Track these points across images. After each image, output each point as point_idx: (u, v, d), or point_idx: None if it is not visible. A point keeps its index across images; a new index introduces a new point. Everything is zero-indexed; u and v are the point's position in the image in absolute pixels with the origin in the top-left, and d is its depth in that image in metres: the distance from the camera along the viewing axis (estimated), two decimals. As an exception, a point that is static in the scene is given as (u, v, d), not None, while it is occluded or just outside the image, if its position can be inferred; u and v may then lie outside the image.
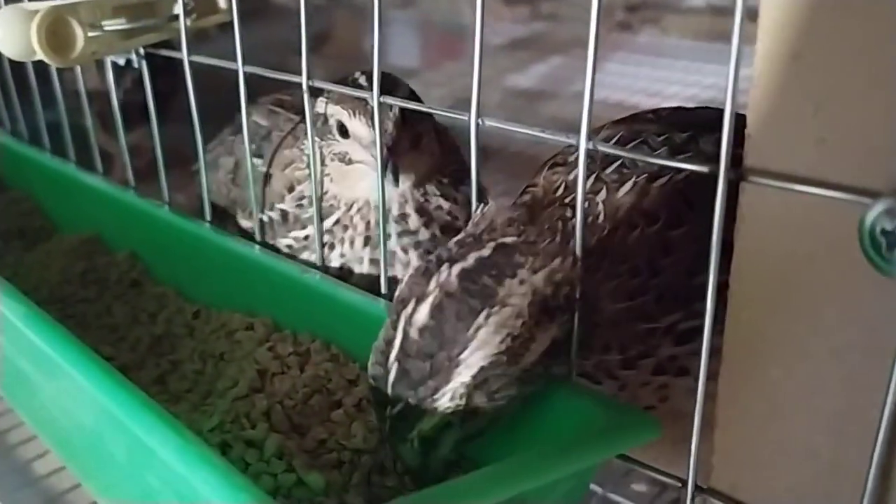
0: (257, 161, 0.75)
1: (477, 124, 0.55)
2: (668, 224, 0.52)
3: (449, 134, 0.73)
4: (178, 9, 0.75)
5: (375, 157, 0.62)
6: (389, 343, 0.46)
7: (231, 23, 0.70)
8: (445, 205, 0.70)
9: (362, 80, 0.65)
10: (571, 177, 0.55)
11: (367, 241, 0.69)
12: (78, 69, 0.93)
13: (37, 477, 0.69)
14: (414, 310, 0.46)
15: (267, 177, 0.75)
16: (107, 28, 0.74)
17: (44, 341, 0.53)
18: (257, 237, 0.75)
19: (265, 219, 0.75)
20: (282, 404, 0.57)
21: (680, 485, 0.50)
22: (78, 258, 0.86)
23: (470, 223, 0.52)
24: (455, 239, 0.50)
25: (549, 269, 0.47)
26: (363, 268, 0.70)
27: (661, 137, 0.56)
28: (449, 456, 0.49)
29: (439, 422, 0.46)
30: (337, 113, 0.66)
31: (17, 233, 0.96)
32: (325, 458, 0.54)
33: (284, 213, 0.74)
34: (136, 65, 0.81)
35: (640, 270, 0.51)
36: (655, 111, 0.64)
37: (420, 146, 0.67)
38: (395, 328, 0.46)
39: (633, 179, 0.53)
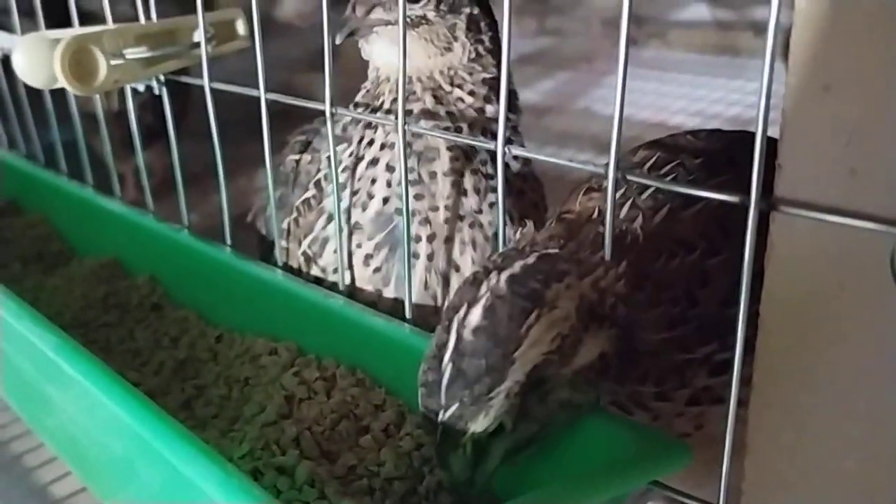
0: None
1: (504, 153, 0.55)
2: (705, 253, 0.52)
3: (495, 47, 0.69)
4: (200, 36, 0.76)
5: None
6: (443, 346, 0.47)
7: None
8: (469, 99, 0.67)
9: None
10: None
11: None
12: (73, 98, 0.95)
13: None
14: (466, 313, 0.47)
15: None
16: (129, 56, 0.75)
17: (79, 373, 0.54)
18: (279, 262, 0.76)
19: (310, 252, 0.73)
20: (310, 430, 0.58)
21: (710, 509, 0.50)
22: (98, 282, 0.87)
23: (511, 242, 0.53)
24: (499, 252, 0.52)
25: (594, 276, 0.48)
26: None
27: (698, 160, 0.57)
28: (497, 468, 0.49)
29: (493, 423, 0.47)
30: None
31: (35, 257, 0.97)
32: (357, 485, 0.54)
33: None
34: (156, 91, 0.81)
35: (679, 300, 0.51)
36: (694, 133, 0.65)
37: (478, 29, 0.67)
38: (447, 332, 0.47)
39: (667, 206, 0.53)
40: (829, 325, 0.44)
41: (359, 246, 0.68)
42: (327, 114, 0.66)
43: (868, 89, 0.40)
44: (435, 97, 0.67)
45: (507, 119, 0.56)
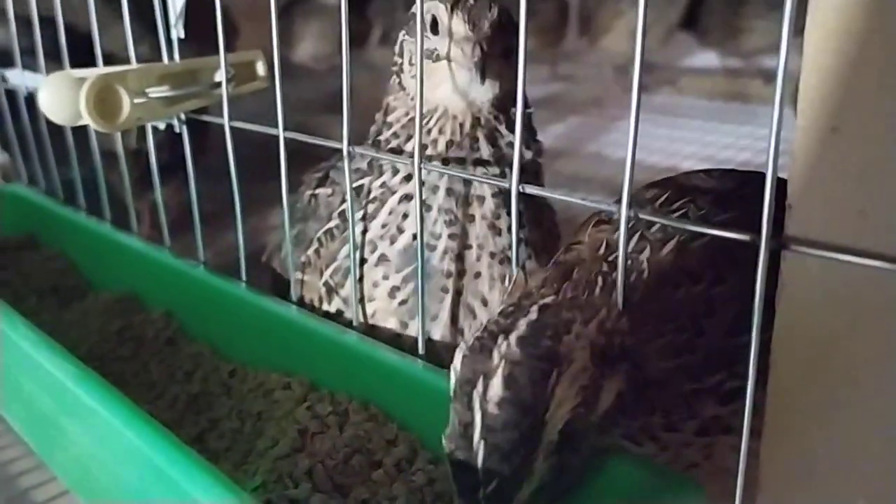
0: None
1: (518, 191, 0.56)
2: (712, 283, 0.53)
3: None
4: (221, 76, 0.78)
5: (467, 54, 0.61)
6: (469, 425, 0.46)
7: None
8: (511, 141, 0.66)
9: None
10: (615, 235, 0.56)
11: (449, 145, 0.67)
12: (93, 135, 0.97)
13: None
14: (486, 387, 0.46)
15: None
16: (152, 95, 0.77)
17: (98, 403, 0.55)
18: (294, 297, 0.77)
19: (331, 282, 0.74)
20: (323, 464, 0.58)
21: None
22: (114, 316, 0.88)
23: (505, 294, 0.53)
24: (497, 312, 0.51)
25: (598, 320, 0.48)
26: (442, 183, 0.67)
27: (709, 197, 0.57)
28: None
29: (536, 485, 0.46)
30: (433, 8, 0.64)
31: (52, 290, 0.98)
32: (368, 519, 0.54)
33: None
34: (177, 129, 0.83)
35: (685, 329, 0.52)
36: (707, 171, 0.66)
37: (510, 60, 0.64)
38: (470, 409, 0.46)
39: (676, 238, 0.54)
40: (841, 363, 0.44)
41: (385, 278, 0.68)
42: (344, 152, 0.68)
43: (876, 131, 0.40)
44: (491, 141, 0.67)
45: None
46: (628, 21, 1.83)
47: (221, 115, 0.78)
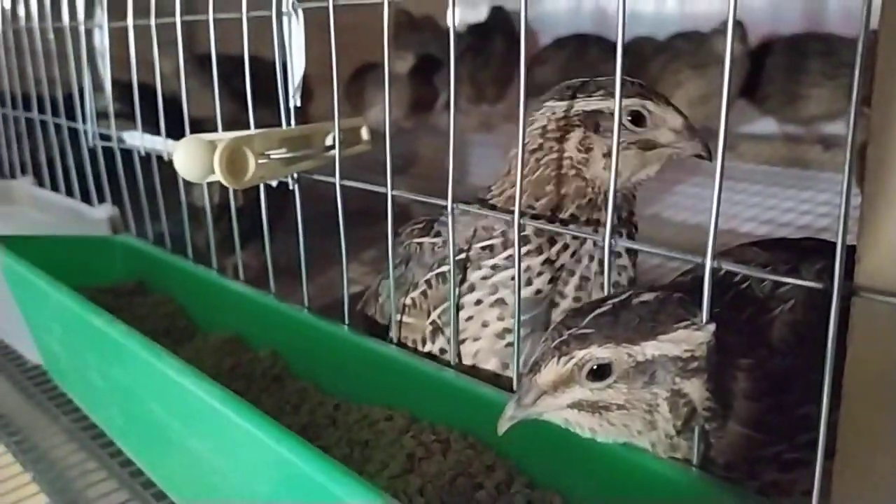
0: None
1: (611, 244, 0.64)
2: (781, 356, 0.59)
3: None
4: (331, 140, 0.88)
5: (688, 139, 0.72)
6: None
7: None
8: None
9: (594, 87, 0.74)
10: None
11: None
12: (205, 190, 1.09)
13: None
14: None
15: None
16: (273, 157, 0.86)
17: (246, 421, 0.63)
18: (393, 338, 0.84)
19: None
20: (432, 484, 0.65)
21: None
22: (224, 355, 0.97)
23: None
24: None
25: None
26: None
27: (767, 268, 0.63)
28: None
29: None
30: (635, 104, 0.71)
31: (164, 332, 1.07)
32: (476, 533, 0.61)
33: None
34: (290, 186, 0.93)
35: (761, 398, 0.58)
36: (760, 242, 0.72)
37: None
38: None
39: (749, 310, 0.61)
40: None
41: (500, 319, 0.75)
42: (449, 209, 0.76)
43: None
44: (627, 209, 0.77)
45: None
46: (687, 91, 1.90)
47: (324, 174, 0.88)
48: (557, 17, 2.47)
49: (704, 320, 0.57)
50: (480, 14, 2.40)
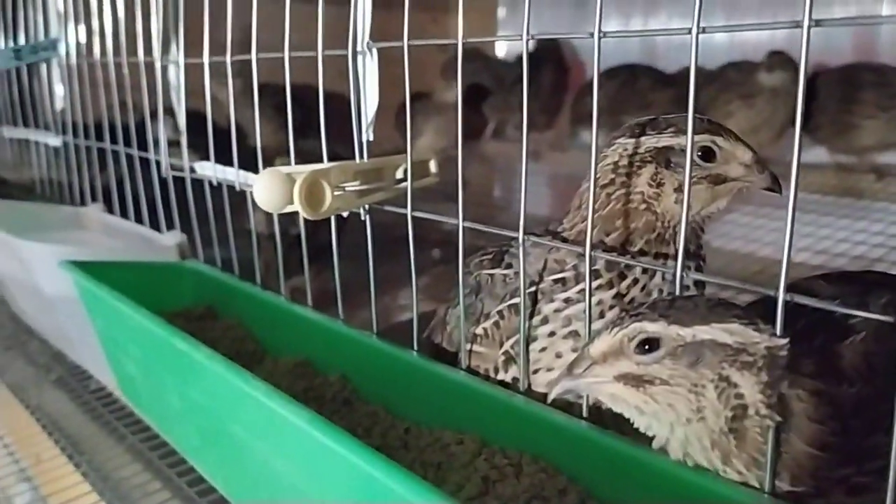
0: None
1: (681, 277, 0.66)
2: (850, 384, 0.61)
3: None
4: (402, 173, 0.92)
5: (759, 173, 0.75)
6: None
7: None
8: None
9: (664, 125, 0.76)
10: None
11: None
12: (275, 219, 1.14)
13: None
14: None
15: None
16: (347, 189, 0.90)
17: (333, 441, 0.66)
18: (462, 365, 0.87)
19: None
20: (507, 505, 0.68)
21: None
22: (296, 378, 1.00)
23: None
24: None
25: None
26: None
27: (835, 301, 0.65)
28: None
29: None
30: (703, 140, 0.73)
31: (235, 355, 1.11)
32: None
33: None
34: (363, 217, 0.97)
35: (823, 421, 0.59)
36: (824, 276, 0.74)
37: None
38: None
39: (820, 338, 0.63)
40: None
41: (574, 350, 0.77)
42: (520, 240, 0.79)
43: None
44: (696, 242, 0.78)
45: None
46: (737, 121, 1.92)
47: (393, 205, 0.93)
48: (606, 47, 2.49)
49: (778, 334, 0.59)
50: (529, 44, 2.44)
